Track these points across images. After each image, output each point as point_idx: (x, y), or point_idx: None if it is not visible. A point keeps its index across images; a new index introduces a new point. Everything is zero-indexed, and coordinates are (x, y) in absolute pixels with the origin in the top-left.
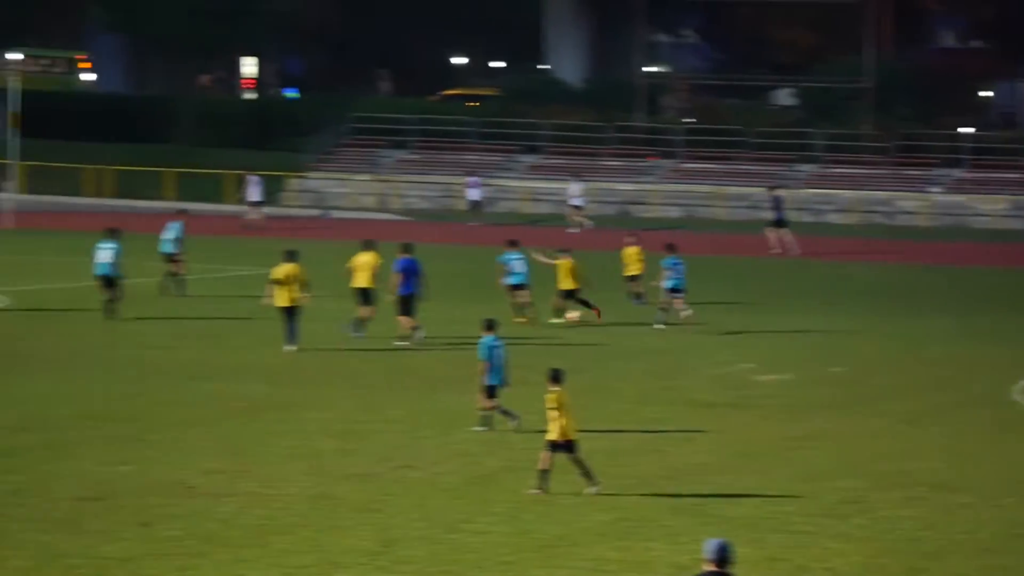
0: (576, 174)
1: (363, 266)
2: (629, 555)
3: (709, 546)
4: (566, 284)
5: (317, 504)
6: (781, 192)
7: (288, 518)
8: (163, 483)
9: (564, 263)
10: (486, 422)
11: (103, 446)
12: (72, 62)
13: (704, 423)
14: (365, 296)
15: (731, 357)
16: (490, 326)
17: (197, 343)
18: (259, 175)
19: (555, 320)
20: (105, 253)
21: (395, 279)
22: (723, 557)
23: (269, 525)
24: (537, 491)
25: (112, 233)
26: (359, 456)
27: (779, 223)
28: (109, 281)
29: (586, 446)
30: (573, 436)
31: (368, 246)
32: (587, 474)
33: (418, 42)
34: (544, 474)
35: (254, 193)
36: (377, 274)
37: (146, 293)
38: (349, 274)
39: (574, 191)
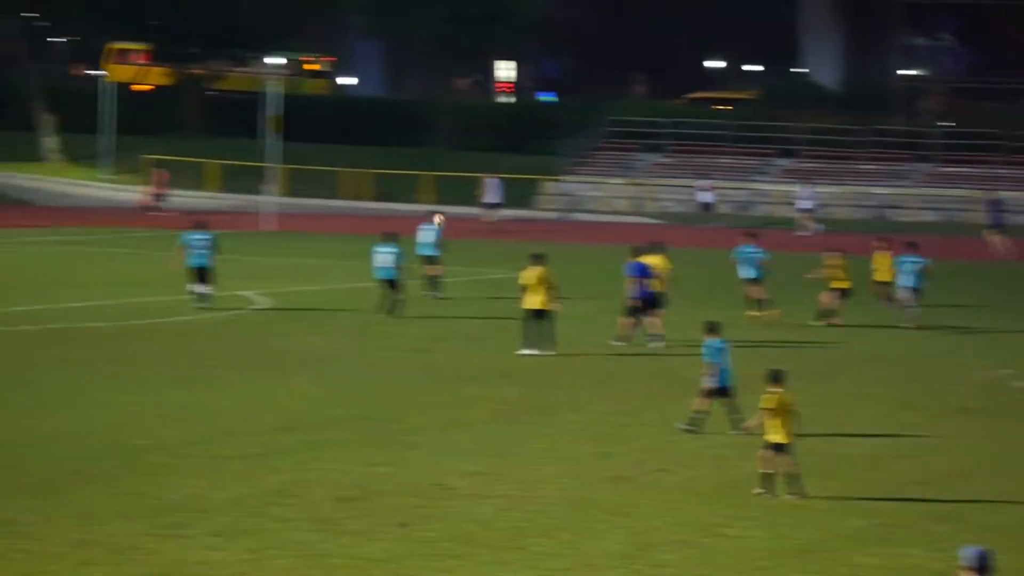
0: (805, 178)
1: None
2: (886, 561)
3: (968, 553)
4: (839, 283)
5: (574, 507)
6: (1000, 196)
7: (545, 520)
8: (421, 484)
9: (835, 261)
10: (695, 423)
11: (363, 447)
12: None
13: (962, 428)
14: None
15: (989, 362)
16: (713, 329)
17: (455, 345)
18: (498, 177)
19: (816, 322)
20: (386, 256)
21: (628, 283)
22: (983, 565)
23: (526, 527)
24: (762, 491)
25: (390, 236)
26: (615, 459)
27: (996, 227)
28: (391, 284)
29: (842, 451)
30: (787, 440)
31: (655, 249)
32: (769, 480)
33: (673, 45)
34: (770, 477)
35: (492, 195)
36: (667, 277)
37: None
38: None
39: (803, 194)
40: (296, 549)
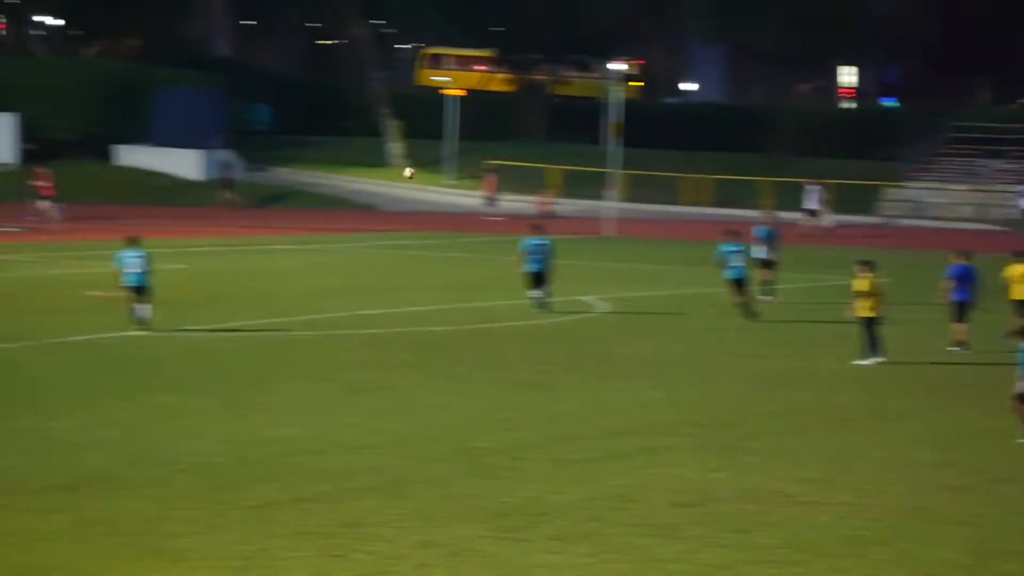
0: None
1: (1020, 277)
2: None
3: None
4: None
5: (913, 515)
6: None
7: (883, 529)
8: (759, 490)
9: None
10: None
11: (699, 452)
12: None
13: None
14: (1022, 308)
15: None
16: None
17: (789, 351)
18: (820, 183)
19: None
20: (736, 256)
21: (946, 285)
22: None
23: (865, 535)
24: None
25: (733, 235)
26: (954, 468)
27: None
28: (739, 285)
29: None
30: None
31: (1022, 257)
32: None
33: (1019, 48)
34: None
35: (811, 201)
36: None
37: (727, 301)
38: (1004, 286)
39: None
40: (634, 554)
